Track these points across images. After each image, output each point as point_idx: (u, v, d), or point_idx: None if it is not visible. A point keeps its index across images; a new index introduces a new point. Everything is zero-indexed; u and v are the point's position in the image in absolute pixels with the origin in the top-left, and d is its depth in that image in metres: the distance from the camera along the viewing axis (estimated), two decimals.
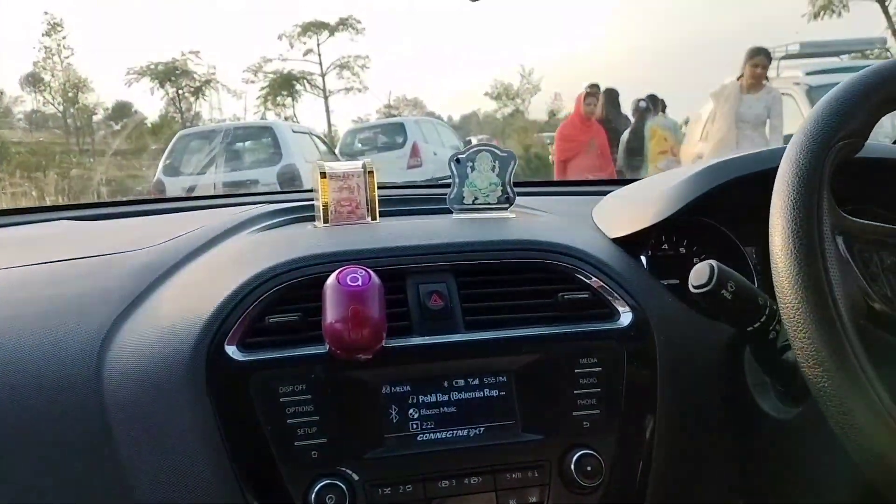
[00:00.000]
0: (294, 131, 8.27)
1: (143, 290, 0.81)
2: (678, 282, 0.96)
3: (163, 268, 0.85)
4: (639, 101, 5.84)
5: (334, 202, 1.02)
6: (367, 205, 1.03)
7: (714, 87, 4.86)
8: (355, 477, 0.69)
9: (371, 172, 1.02)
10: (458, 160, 1.04)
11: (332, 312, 0.70)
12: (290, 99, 27.84)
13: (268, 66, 27.23)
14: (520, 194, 1.06)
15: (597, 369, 0.77)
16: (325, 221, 1.01)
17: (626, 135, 5.71)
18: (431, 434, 0.72)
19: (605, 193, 1.20)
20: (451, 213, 1.04)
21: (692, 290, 0.70)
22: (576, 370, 0.76)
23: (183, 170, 7.65)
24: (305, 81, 27.94)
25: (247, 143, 8.31)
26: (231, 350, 0.71)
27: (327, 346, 0.71)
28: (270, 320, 0.73)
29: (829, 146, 0.61)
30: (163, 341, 0.72)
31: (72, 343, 0.74)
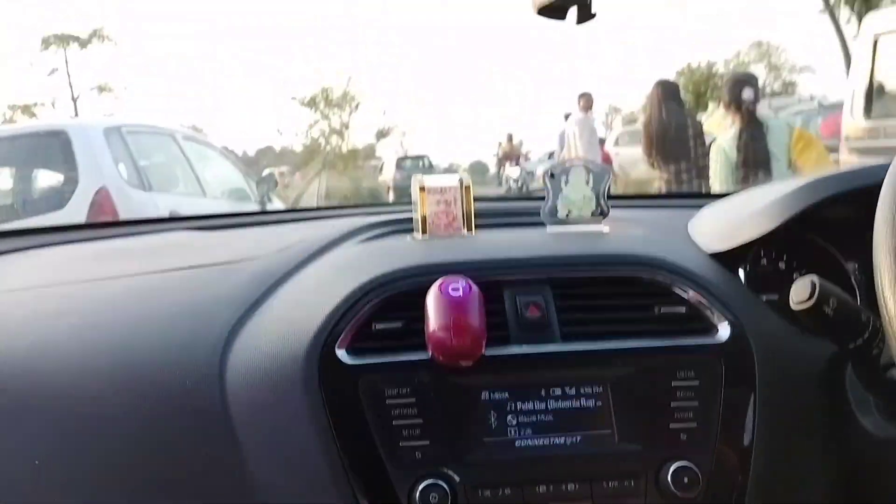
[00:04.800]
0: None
1: (259, 297, 0.88)
2: (777, 297, 0.94)
3: (276, 276, 0.92)
4: (739, 85, 3.64)
5: (432, 215, 1.06)
6: (464, 218, 1.07)
7: None
8: (456, 478, 0.72)
9: (468, 187, 1.06)
10: (552, 175, 1.06)
11: (434, 320, 0.73)
12: None
13: None
14: (613, 207, 1.08)
15: (694, 383, 0.77)
16: (424, 233, 1.05)
17: (730, 140, 3.61)
18: (529, 440, 0.75)
19: (698, 207, 1.20)
20: (545, 226, 1.06)
21: (793, 306, 0.69)
22: (673, 383, 0.77)
23: None
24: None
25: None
26: (341, 353, 0.76)
27: (430, 353, 0.75)
28: (377, 327, 0.78)
29: None
30: (279, 345, 0.78)
31: (198, 346, 0.81)
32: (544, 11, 0.64)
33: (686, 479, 0.73)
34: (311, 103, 22.91)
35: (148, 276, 0.99)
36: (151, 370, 0.79)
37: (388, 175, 19.46)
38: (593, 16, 0.62)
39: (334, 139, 22.78)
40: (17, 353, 0.83)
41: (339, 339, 0.76)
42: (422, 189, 1.05)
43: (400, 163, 20.81)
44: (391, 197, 17.07)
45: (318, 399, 0.74)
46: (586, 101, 7.39)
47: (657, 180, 4.71)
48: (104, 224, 1.40)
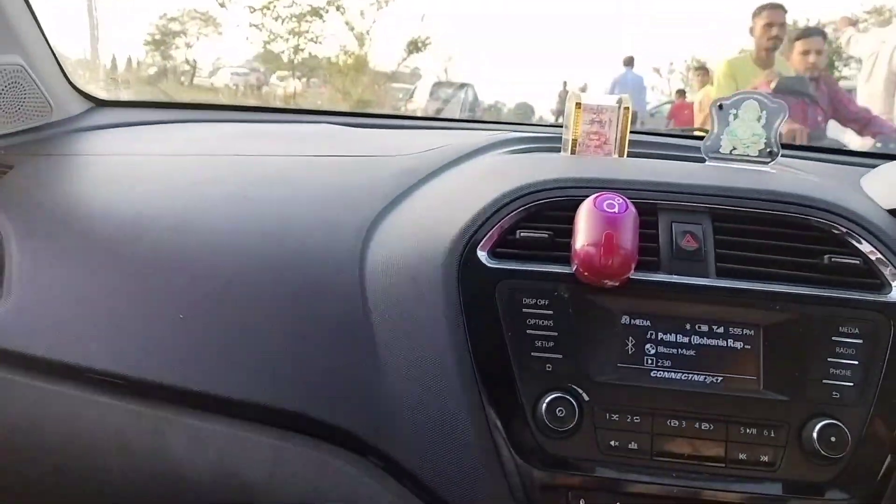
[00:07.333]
0: None
1: (405, 191, 0.87)
2: None
3: (423, 173, 0.91)
4: None
5: (584, 134, 1.01)
6: (617, 142, 1.01)
7: None
8: (585, 397, 0.70)
9: (627, 109, 1.00)
10: (720, 106, 0.98)
11: (584, 235, 0.70)
12: None
13: None
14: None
15: (857, 341, 0.71)
16: (572, 153, 1.01)
17: None
18: (666, 373, 0.71)
19: (872, 166, 1.09)
20: (704, 161, 0.99)
21: None
22: (833, 337, 0.71)
23: None
24: None
25: None
26: (482, 256, 0.74)
27: (574, 267, 0.72)
28: (521, 234, 0.75)
29: None
30: (421, 238, 0.77)
31: (341, 228, 0.82)
32: None
33: (833, 439, 0.68)
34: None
35: (298, 158, 1.01)
36: (296, 244, 0.81)
37: (420, 104, 13.63)
38: None
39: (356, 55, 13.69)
40: (175, 211, 0.87)
41: (483, 241, 0.75)
42: (577, 105, 1.00)
43: (436, 89, 13.94)
44: None
45: (455, 296, 0.73)
46: None
47: None
48: (251, 108, 1.43)
